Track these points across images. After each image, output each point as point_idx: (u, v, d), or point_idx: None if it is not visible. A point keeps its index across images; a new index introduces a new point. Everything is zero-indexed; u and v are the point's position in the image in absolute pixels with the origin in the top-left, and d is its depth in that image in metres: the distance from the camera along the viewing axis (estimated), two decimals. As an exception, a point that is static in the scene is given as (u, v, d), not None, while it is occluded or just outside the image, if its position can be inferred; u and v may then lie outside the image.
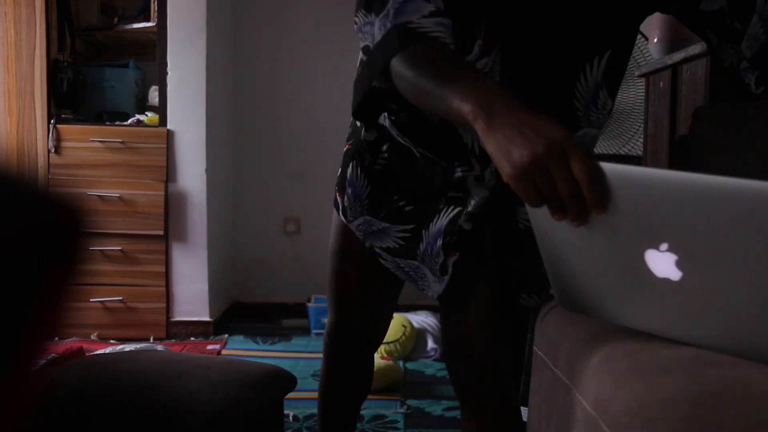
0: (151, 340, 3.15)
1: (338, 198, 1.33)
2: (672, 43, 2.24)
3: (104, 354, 1.77)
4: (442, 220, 1.16)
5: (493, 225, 1.14)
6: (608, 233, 0.77)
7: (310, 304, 3.42)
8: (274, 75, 3.66)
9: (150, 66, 3.48)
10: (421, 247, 1.20)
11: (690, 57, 2.03)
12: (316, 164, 3.66)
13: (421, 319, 3.10)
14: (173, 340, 3.18)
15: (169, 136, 3.19)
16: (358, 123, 1.27)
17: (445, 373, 2.77)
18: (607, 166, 0.72)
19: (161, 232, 3.18)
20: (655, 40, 2.33)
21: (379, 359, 2.64)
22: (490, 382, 1.20)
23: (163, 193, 3.17)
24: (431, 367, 2.85)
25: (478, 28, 1.01)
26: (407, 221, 1.21)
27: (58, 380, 1.25)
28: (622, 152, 2.73)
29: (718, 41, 1.09)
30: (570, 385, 0.89)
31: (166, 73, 3.20)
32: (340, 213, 1.33)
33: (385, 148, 1.22)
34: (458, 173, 1.14)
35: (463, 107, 0.79)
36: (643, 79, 2.59)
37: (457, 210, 1.15)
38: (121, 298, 3.17)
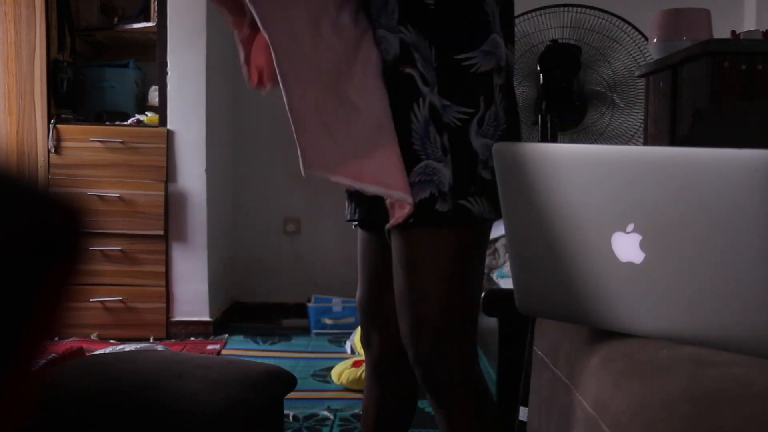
0: (151, 340, 3.14)
1: None
2: (672, 43, 2.24)
3: (104, 354, 1.77)
4: None
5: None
6: (578, 218, 0.77)
7: (310, 304, 3.42)
8: (274, 75, 3.65)
9: (150, 66, 3.48)
10: None
11: (690, 57, 2.03)
12: (316, 164, 3.65)
13: (421, 319, 3.09)
14: (173, 340, 3.18)
15: (169, 136, 3.19)
16: None
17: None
18: (573, 147, 0.73)
19: (161, 232, 3.18)
20: (655, 40, 2.33)
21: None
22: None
23: (163, 193, 3.17)
24: (431, 367, 2.85)
25: None
26: None
27: (58, 380, 1.25)
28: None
29: None
30: (570, 385, 0.89)
31: (166, 73, 3.20)
32: None
33: None
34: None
35: None
36: (643, 79, 2.59)
37: None
38: (121, 298, 3.16)
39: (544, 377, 1.04)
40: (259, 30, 1.17)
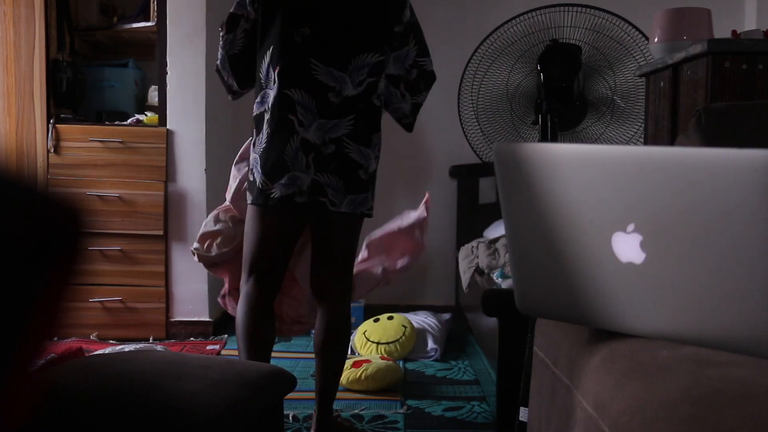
0: (151, 341, 3.14)
1: None
2: (672, 43, 2.24)
3: (104, 354, 1.76)
4: None
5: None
6: (578, 218, 0.77)
7: (309, 304, 3.42)
8: (273, 75, 3.65)
9: (150, 66, 3.48)
10: None
11: (690, 57, 2.02)
12: (315, 164, 3.65)
13: (421, 320, 3.10)
14: (173, 341, 3.18)
15: (169, 135, 3.19)
16: None
17: (445, 373, 2.77)
18: (574, 147, 0.73)
19: (161, 232, 3.18)
20: (656, 40, 2.33)
21: (378, 359, 2.64)
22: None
23: (162, 192, 3.17)
24: (431, 367, 2.85)
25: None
26: None
27: (58, 380, 1.25)
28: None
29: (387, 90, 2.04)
30: (570, 385, 0.89)
31: (166, 73, 3.20)
32: None
33: None
34: None
35: None
36: (643, 79, 2.59)
37: None
38: (120, 298, 3.16)
39: (544, 377, 1.04)
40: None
